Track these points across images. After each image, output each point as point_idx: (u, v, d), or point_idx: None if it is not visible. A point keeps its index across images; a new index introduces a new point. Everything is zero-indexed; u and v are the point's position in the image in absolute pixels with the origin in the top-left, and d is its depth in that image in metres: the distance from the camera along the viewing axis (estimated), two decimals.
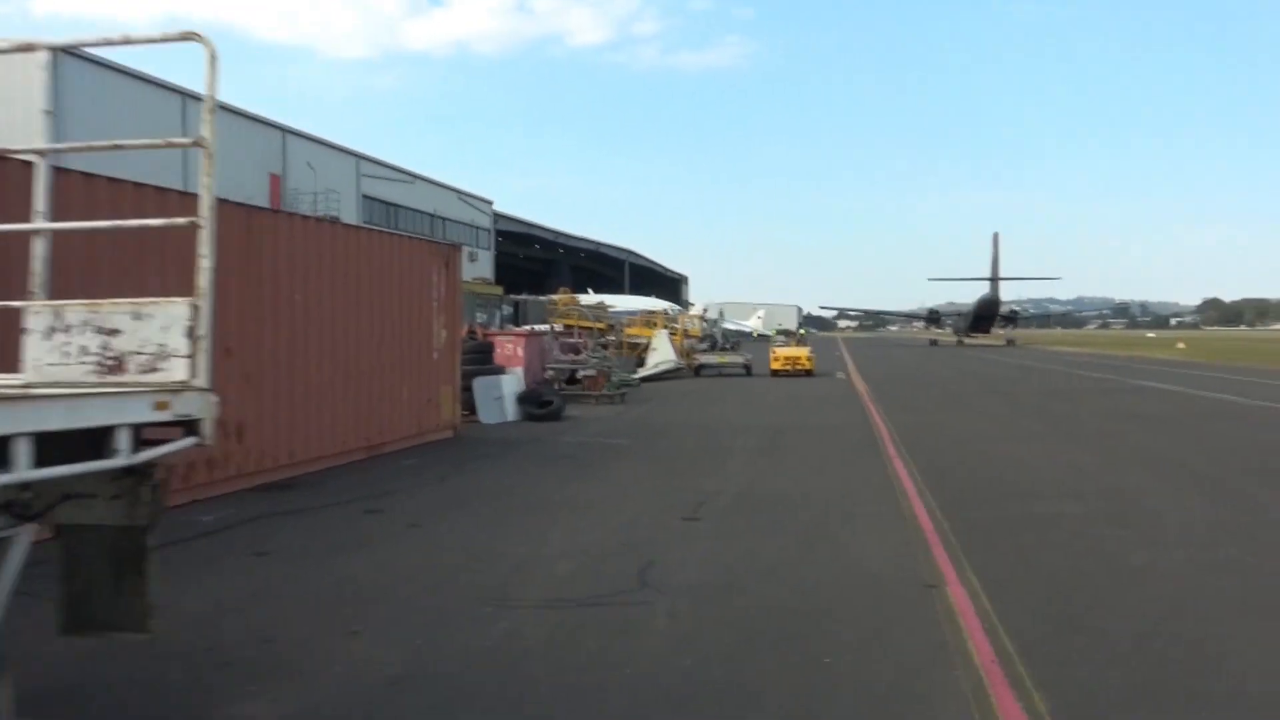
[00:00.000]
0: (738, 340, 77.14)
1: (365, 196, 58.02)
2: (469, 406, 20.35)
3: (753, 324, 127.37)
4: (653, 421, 20.76)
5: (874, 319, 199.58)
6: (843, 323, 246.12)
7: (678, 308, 76.02)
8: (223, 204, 11.82)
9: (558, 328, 30.62)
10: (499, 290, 51.54)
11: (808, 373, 37.91)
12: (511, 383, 21.04)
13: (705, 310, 77.54)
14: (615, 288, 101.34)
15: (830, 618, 6.72)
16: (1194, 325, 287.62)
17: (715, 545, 8.89)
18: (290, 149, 51.51)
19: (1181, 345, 77.94)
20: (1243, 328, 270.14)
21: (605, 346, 31.34)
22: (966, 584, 7.52)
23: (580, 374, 25.22)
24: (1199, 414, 21.87)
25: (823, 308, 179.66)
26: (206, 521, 10.11)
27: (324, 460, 13.69)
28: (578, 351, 26.50)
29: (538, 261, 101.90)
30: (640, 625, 6.54)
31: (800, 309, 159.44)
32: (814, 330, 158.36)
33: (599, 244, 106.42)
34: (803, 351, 39.13)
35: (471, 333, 24.33)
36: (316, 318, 13.49)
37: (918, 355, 69.09)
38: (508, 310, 48.19)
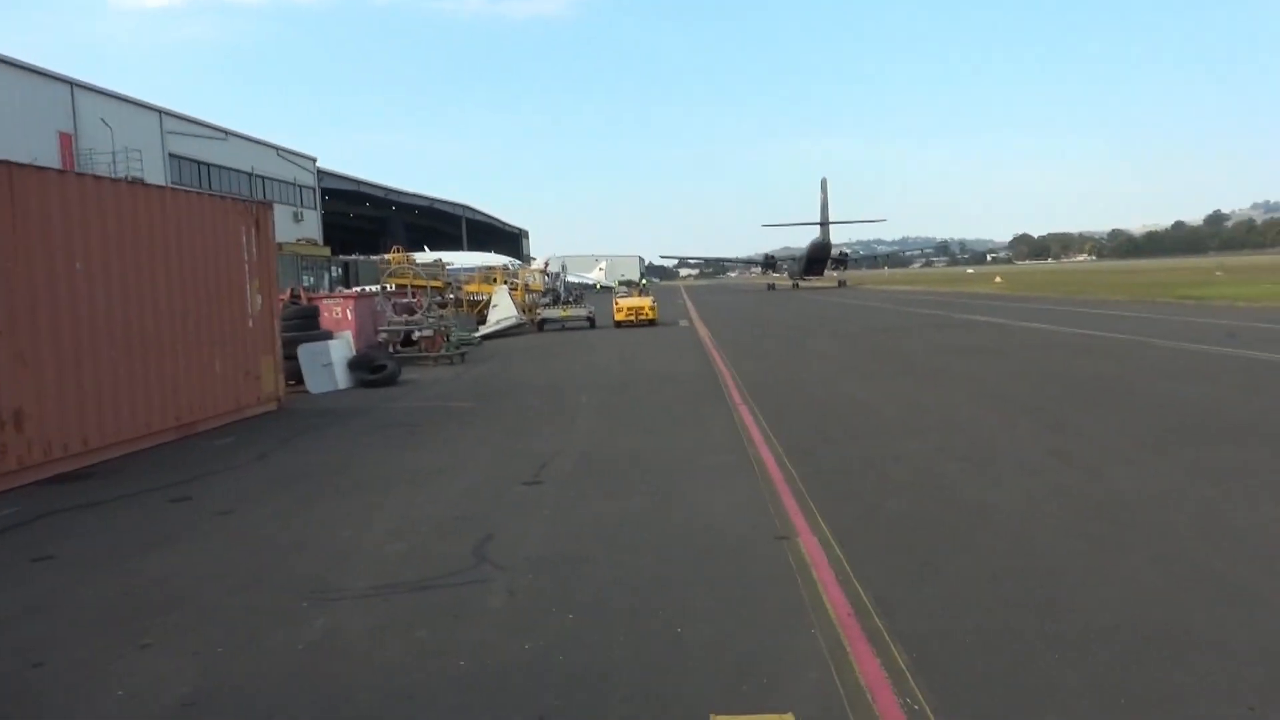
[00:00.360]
0: (581, 293, 76.72)
1: (172, 155, 53.93)
2: (296, 376, 19.10)
3: (595, 276, 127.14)
4: (494, 381, 20.03)
5: (714, 266, 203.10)
6: (684, 271, 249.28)
7: (518, 262, 74.72)
8: None
9: (390, 288, 29.14)
10: (326, 251, 49.05)
11: (651, 322, 37.98)
12: (340, 348, 19.84)
13: (547, 264, 76.38)
14: (453, 245, 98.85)
15: (681, 583, 6.33)
16: (1007, 260, 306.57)
17: (558, 512, 8.38)
18: (81, 105, 47.11)
19: (999, 280, 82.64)
20: (1049, 261, 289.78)
21: (443, 305, 30.15)
22: (818, 533, 7.30)
23: (416, 335, 24.13)
24: (1020, 345, 22.88)
25: (664, 257, 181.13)
26: None
27: (126, 444, 12.40)
28: (412, 312, 25.32)
29: (369, 220, 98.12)
30: (476, 608, 5.96)
31: (642, 259, 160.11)
32: (656, 280, 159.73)
33: (433, 200, 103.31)
34: (645, 301, 39.07)
35: (295, 297, 22.80)
36: (105, 288, 12.10)
37: (756, 300, 70.47)
38: (337, 272, 45.84)
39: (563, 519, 8.13)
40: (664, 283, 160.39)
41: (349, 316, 23.32)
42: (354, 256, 54.12)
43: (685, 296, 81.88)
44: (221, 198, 15.23)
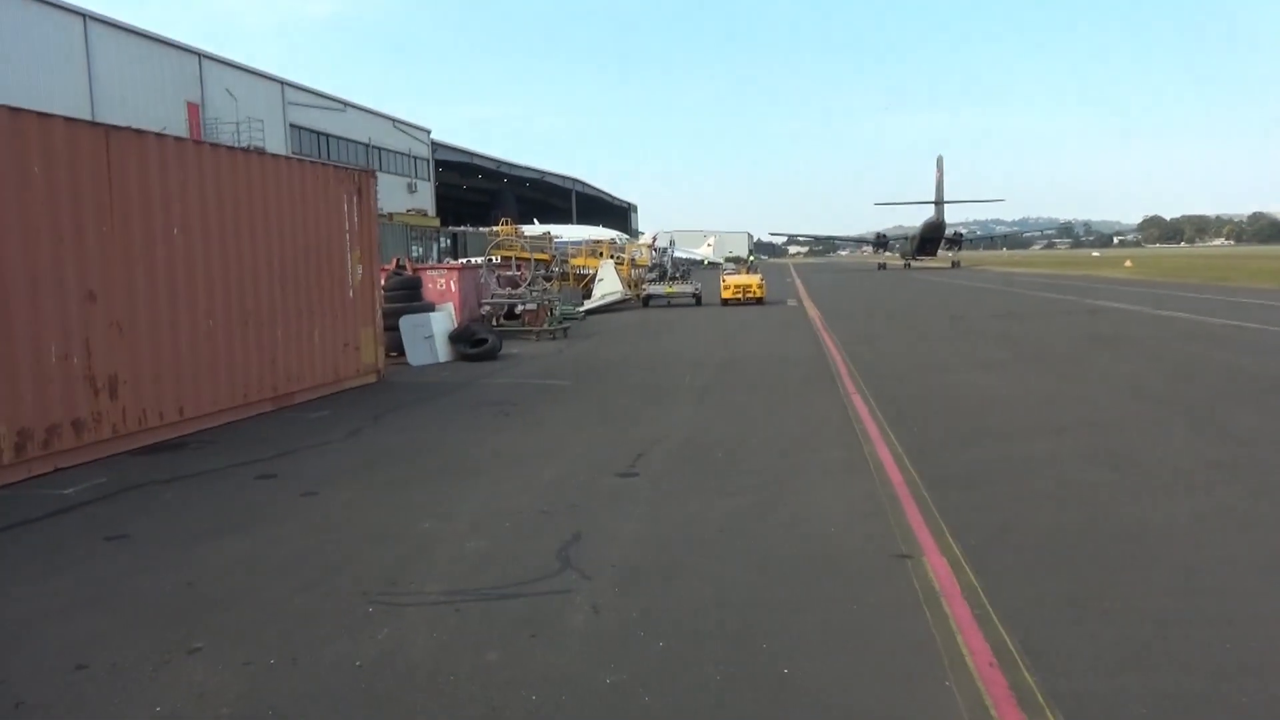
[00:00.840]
0: (688, 269, 75.84)
1: (292, 126, 55.10)
2: (397, 347, 18.90)
3: (703, 252, 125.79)
4: (595, 358, 19.45)
5: (824, 244, 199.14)
6: (793, 249, 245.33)
7: (626, 237, 74.24)
8: (71, 123, 10.12)
9: (495, 260, 28.87)
10: (435, 222, 49.36)
11: (759, 300, 36.88)
12: (442, 320, 19.54)
13: (655, 239, 75.68)
14: (562, 218, 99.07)
15: (787, 607, 5.53)
16: (1136, 243, 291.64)
17: (652, 510, 7.66)
18: (208, 76, 48.42)
19: (1129, 264, 78.15)
20: (1183, 244, 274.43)
21: (548, 279, 29.73)
22: (947, 553, 6.39)
23: (519, 308, 23.74)
24: (1163, 335, 21.06)
25: (773, 234, 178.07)
26: (66, 495, 8.70)
27: (223, 414, 12.23)
28: (516, 285, 24.94)
29: (481, 193, 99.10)
30: (555, 626, 5.29)
31: (751, 235, 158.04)
32: (764, 257, 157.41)
33: (544, 173, 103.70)
34: (754, 279, 37.93)
35: (400, 268, 22.65)
36: (204, 256, 11.88)
37: (867, 279, 68.34)
38: (446, 243, 46.07)
39: (657, 519, 7.41)
40: (772, 260, 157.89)
41: (453, 288, 23.05)
42: (463, 228, 54.28)
43: (794, 274, 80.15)
44: (323, 165, 14.96)
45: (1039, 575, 5.96)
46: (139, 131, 11.06)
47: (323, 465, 9.76)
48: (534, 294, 23.98)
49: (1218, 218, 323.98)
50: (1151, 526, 6.95)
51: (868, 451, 9.69)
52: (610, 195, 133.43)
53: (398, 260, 23.06)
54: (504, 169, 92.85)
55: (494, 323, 23.61)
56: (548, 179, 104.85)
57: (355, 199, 15.57)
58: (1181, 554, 6.35)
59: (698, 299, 37.26)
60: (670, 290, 38.16)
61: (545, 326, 23.45)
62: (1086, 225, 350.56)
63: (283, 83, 54.59)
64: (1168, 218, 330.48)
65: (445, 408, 13.38)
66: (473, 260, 29.22)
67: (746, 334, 24.25)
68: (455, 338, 19.35)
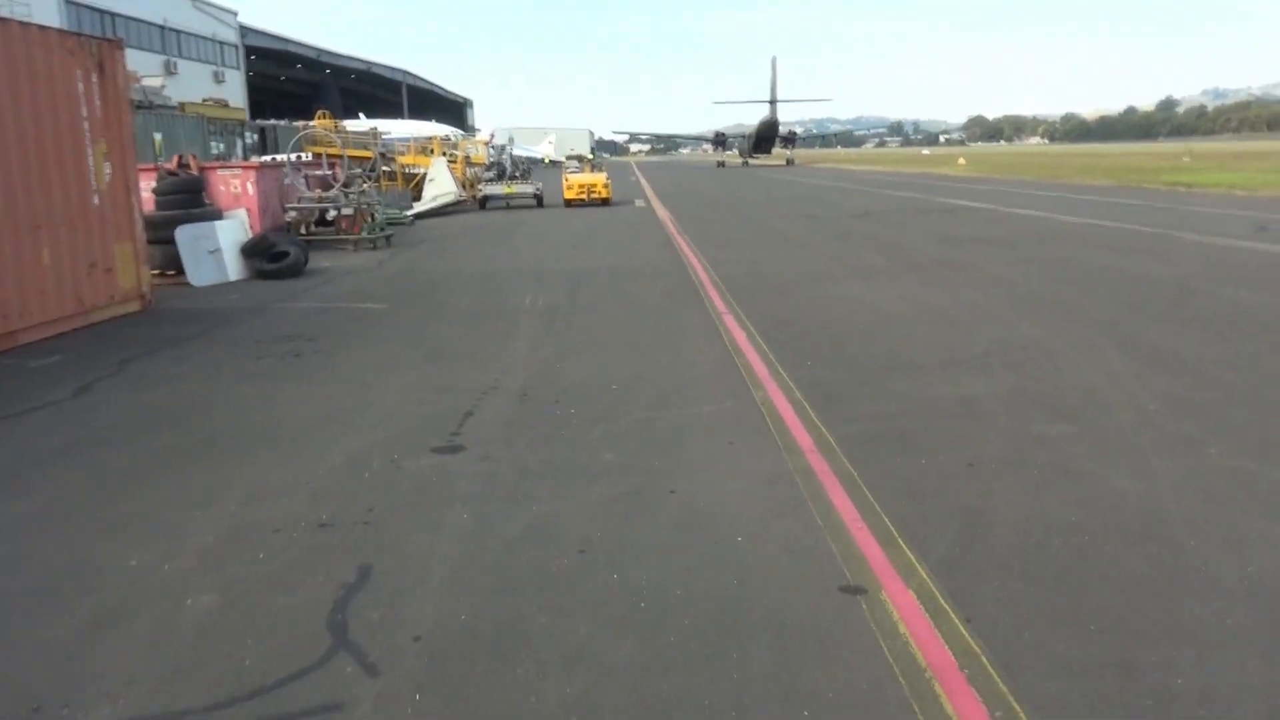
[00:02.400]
0: (529, 168, 72.22)
1: (69, 2, 47.71)
2: (177, 265, 15.57)
3: (544, 150, 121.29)
4: (421, 272, 16.66)
5: (665, 143, 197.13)
6: (634, 147, 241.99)
7: (461, 134, 69.60)
8: None
9: (306, 157, 25.03)
10: (241, 114, 43.86)
11: (605, 201, 34.42)
12: (232, 230, 16.25)
13: (492, 136, 71.30)
14: (393, 113, 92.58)
15: (694, 708, 3.36)
16: (960, 142, 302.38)
17: (480, 516, 5.32)
18: None
19: (962, 161, 79.45)
20: (1003, 143, 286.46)
21: (371, 179, 26.16)
22: (913, 581, 4.36)
23: (332, 214, 20.43)
24: (1030, 236, 19.94)
25: (616, 133, 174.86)
26: None
27: None
28: (328, 186, 21.52)
29: (302, 84, 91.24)
30: None
31: (593, 133, 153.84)
32: (606, 156, 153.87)
33: (371, 64, 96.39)
34: (599, 178, 35.29)
35: (182, 165, 18.92)
36: None
37: (711, 177, 66.74)
38: (253, 139, 40.99)
39: (487, 532, 5.09)
40: (615, 158, 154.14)
41: (250, 191, 19.45)
42: (272, 122, 48.75)
43: (638, 173, 77.71)
44: (41, 28, 11.35)
45: (1052, 620, 4.00)
46: None
47: (16, 446, 6.90)
48: (349, 197, 20.66)
49: (1034, 118, 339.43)
50: (1162, 512, 5.14)
51: (759, 398, 7.60)
52: (445, 90, 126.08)
53: (179, 158, 19.27)
54: (326, 58, 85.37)
55: (302, 231, 20.26)
56: (375, 70, 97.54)
57: (95, 77, 12.07)
58: (1229, 560, 4.54)
59: (539, 200, 34.38)
60: (510, 190, 35.03)
61: (363, 235, 20.28)
62: (915, 125, 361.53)
63: None
64: (990, 117, 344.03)
65: (219, 346, 10.48)
66: (275, 158, 25.31)
67: (594, 240, 21.82)
68: (249, 250, 16.12)
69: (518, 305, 12.65)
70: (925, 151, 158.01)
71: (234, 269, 15.82)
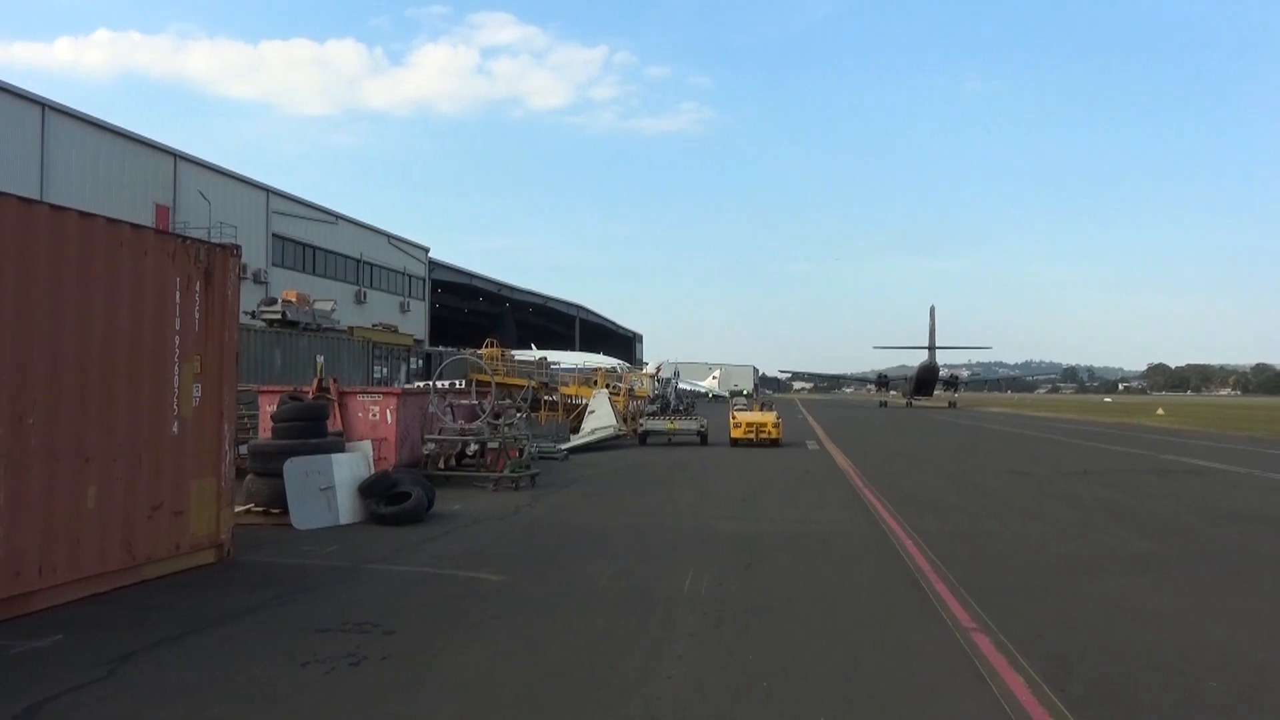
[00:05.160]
0: (692, 402, 70.66)
1: (275, 235, 50.80)
2: (283, 502, 13.25)
3: (708, 384, 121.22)
4: (560, 525, 13.67)
5: (829, 381, 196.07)
6: (797, 384, 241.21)
7: (627, 366, 69.18)
8: None
9: (452, 384, 23.24)
10: (408, 339, 43.93)
11: (774, 442, 31.12)
12: (352, 464, 13.87)
13: (658, 368, 70.63)
14: (566, 345, 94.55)
15: None
16: (1141, 390, 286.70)
17: None
18: (183, 177, 44.31)
19: (1161, 411, 72.55)
20: (1189, 393, 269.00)
21: (523, 409, 23.97)
22: None
23: (473, 447, 18.03)
24: None
25: (780, 371, 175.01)
26: None
27: None
28: (474, 416, 19.33)
29: (482, 316, 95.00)
30: None
31: (757, 370, 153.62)
32: (769, 391, 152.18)
33: (547, 298, 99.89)
34: (769, 417, 32.21)
35: (322, 389, 17.20)
36: None
37: (881, 418, 62.69)
38: (418, 364, 40.66)
39: None
40: (778, 395, 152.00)
41: (389, 419, 17.51)
42: (439, 348, 49.02)
43: (804, 411, 74.61)
44: (135, 228, 9.59)
45: None
46: None
47: None
48: (494, 429, 18.31)
49: (1221, 367, 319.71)
50: None
51: None
52: (615, 323, 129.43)
53: (319, 381, 17.61)
54: (505, 292, 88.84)
55: (440, 466, 17.94)
56: (551, 304, 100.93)
57: (199, 284, 10.18)
58: None
59: (703, 437, 31.54)
60: (672, 426, 32.48)
61: (506, 472, 17.70)
62: (1090, 370, 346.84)
63: (268, 190, 50.59)
64: (1172, 365, 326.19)
65: (263, 637, 7.55)
66: (420, 384, 23.67)
67: (767, 492, 18.43)
68: (368, 489, 13.64)
69: (674, 588, 9.32)
70: (1107, 399, 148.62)
71: (346, 510, 13.33)
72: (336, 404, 17.23)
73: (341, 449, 14.22)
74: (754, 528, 13.51)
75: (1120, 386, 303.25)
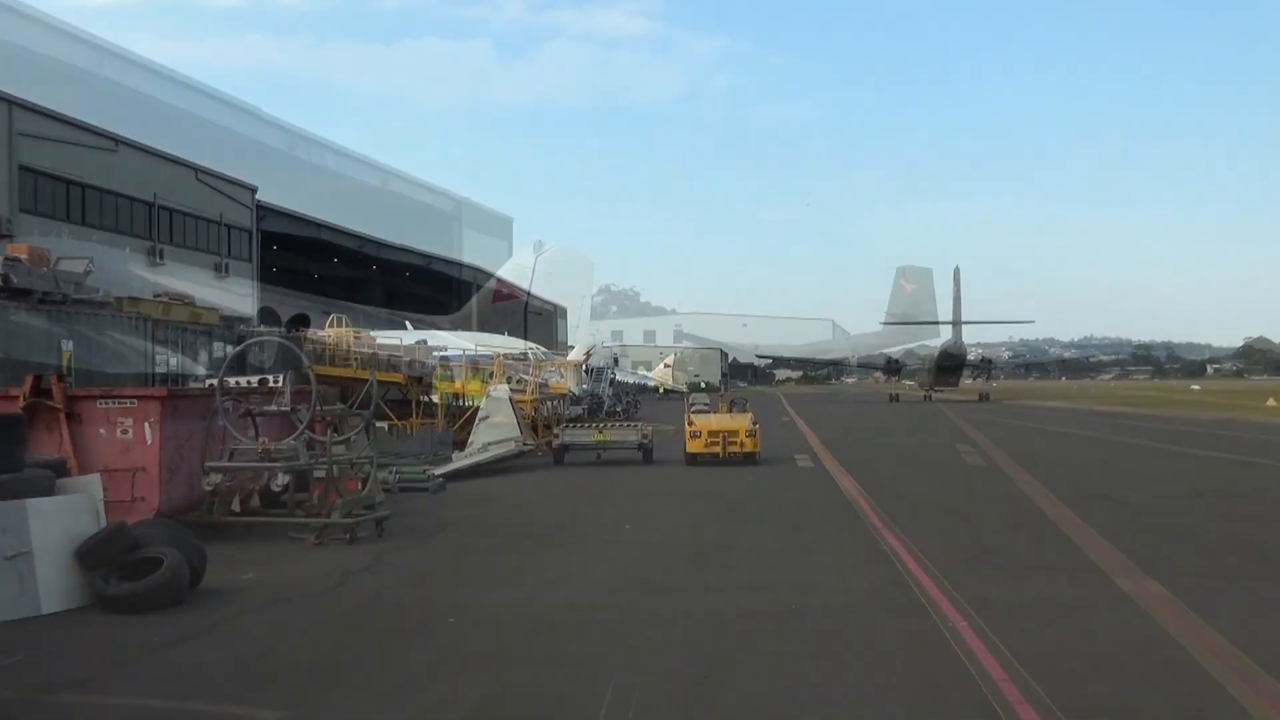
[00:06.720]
0: (635, 399, 68.82)
1: (24, 168, 47.78)
2: None
3: (658, 375, 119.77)
4: (408, 608, 11.67)
5: (828, 369, 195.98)
6: (780, 373, 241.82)
7: (544, 351, 67.16)
8: None
9: (242, 382, 20.48)
10: (213, 316, 41.31)
11: (749, 457, 29.18)
12: (64, 515, 11.73)
13: (589, 353, 68.66)
14: (461, 324, 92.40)
15: None
16: (1236, 373, 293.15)
17: None
18: None
19: (1273, 402, 72.70)
20: None
21: (365, 419, 21.24)
22: None
23: (280, 482, 15.75)
24: None
25: (759, 356, 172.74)
26: None
27: None
28: (293, 429, 17.07)
29: (338, 283, 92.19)
30: None
31: (725, 355, 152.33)
32: (742, 384, 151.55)
33: (431, 257, 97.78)
34: (741, 422, 30.22)
35: (40, 390, 14.98)
36: None
37: (896, 419, 61.15)
38: (226, 351, 38.02)
39: None
40: (755, 388, 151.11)
41: (148, 438, 15.29)
42: (260, 329, 46.29)
43: (790, 410, 72.95)
44: None
45: None
46: None
47: None
48: (317, 448, 16.15)
49: None
50: None
51: None
52: (538, 296, 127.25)
53: (35, 379, 15.36)
54: (369, 249, 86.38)
55: (237, 508, 15.75)
56: (435, 266, 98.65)
57: None
58: None
59: (646, 453, 29.64)
60: (602, 438, 30.52)
61: (334, 517, 15.53)
62: (1168, 348, 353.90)
63: (9, 101, 47.49)
64: (1276, 340, 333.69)
65: None
66: (210, 383, 21.29)
67: (737, 549, 16.24)
68: (91, 554, 11.47)
69: None
70: (1195, 386, 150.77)
71: (53, 591, 11.18)
72: (63, 414, 15.02)
73: (49, 489, 11.99)
74: (716, 605, 11.62)
75: (1209, 369, 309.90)
